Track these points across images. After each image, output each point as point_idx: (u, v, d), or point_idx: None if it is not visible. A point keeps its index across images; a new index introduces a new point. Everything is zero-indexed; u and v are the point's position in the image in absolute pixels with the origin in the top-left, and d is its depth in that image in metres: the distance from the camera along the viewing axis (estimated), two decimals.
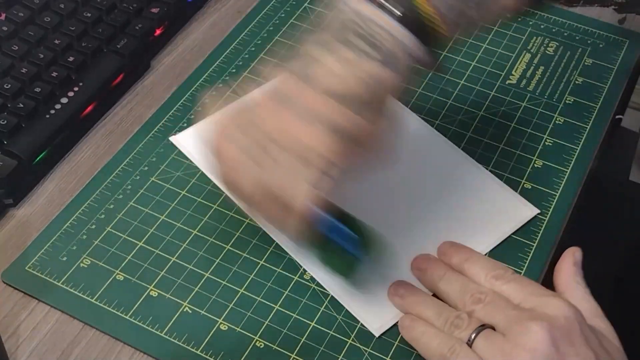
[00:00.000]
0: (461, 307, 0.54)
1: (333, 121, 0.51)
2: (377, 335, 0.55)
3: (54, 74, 0.66)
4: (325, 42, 0.52)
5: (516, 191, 0.63)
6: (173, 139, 0.66)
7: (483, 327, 0.51)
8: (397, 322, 0.55)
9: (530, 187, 0.64)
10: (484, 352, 0.50)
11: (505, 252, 0.59)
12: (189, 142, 0.66)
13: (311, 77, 0.52)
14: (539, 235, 0.60)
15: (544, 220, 0.61)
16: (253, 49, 0.73)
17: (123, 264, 0.58)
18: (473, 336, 0.51)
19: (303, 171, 0.50)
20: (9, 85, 0.65)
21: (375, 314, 0.56)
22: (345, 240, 0.54)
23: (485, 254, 0.59)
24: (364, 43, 0.52)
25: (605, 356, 0.49)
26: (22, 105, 0.64)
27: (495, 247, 0.60)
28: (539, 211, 0.61)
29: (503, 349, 0.50)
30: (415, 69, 0.54)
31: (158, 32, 0.73)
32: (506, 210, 0.61)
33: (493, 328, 0.51)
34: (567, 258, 0.56)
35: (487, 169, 0.64)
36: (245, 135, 0.52)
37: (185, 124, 0.67)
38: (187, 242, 0.59)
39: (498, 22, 0.68)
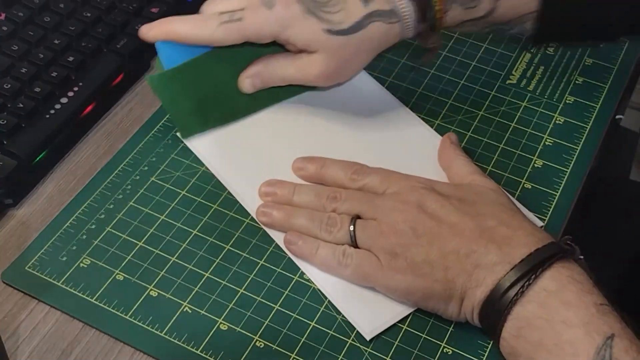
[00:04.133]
0: (323, 211, 0.58)
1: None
2: (368, 338, 0.55)
3: (54, 74, 0.66)
4: None
5: (516, 191, 0.63)
6: (187, 142, 0.65)
7: (354, 219, 0.56)
8: (392, 325, 0.55)
9: (530, 187, 0.64)
10: (368, 243, 0.56)
11: None
12: (204, 146, 0.65)
13: None
14: None
15: (545, 219, 0.61)
16: None
17: (123, 264, 0.58)
18: (352, 229, 0.56)
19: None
20: (9, 85, 0.65)
21: (368, 318, 0.56)
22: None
23: None
24: None
25: (469, 208, 0.55)
26: (21, 105, 0.64)
27: None
28: (542, 224, 0.61)
29: (381, 230, 0.55)
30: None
31: None
32: None
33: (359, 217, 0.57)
34: (445, 142, 0.63)
35: (487, 169, 0.64)
36: None
37: None
38: (187, 242, 0.59)
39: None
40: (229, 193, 0.62)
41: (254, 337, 0.55)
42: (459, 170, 0.61)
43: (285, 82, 0.64)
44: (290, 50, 0.63)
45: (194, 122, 0.64)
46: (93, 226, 0.60)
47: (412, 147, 0.65)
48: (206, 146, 0.65)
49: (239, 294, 0.57)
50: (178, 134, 0.65)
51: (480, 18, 0.63)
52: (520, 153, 0.66)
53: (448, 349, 0.55)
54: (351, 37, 0.61)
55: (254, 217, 0.60)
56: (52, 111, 0.65)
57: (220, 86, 0.64)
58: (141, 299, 0.56)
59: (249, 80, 0.64)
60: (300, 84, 0.65)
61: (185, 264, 0.58)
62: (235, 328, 0.55)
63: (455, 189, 0.58)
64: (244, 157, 0.64)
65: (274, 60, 0.64)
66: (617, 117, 0.73)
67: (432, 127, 0.67)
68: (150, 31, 0.62)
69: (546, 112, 0.69)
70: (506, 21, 0.64)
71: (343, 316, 0.56)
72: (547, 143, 0.67)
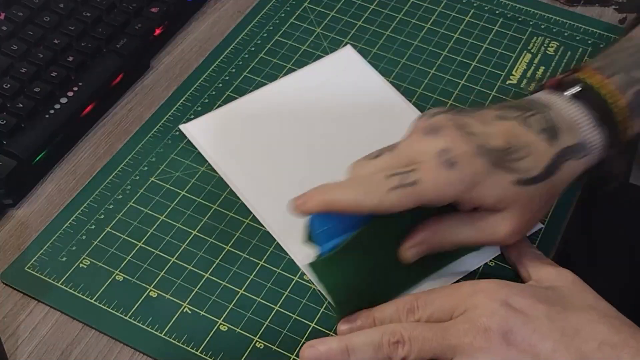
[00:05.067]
0: None
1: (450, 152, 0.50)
2: None
3: (54, 74, 0.66)
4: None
5: None
6: (183, 127, 0.66)
7: None
8: None
9: None
10: None
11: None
12: (198, 131, 0.66)
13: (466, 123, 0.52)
14: (539, 237, 0.60)
15: (545, 220, 0.61)
16: (253, 48, 0.73)
17: (122, 265, 0.58)
18: None
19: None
20: (9, 85, 0.65)
21: None
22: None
23: (485, 264, 0.58)
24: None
25: (562, 325, 0.48)
26: (21, 105, 0.64)
27: (494, 256, 0.59)
28: (542, 226, 0.61)
29: None
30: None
31: (158, 31, 0.72)
32: None
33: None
34: None
35: None
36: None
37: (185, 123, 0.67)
38: (186, 242, 0.59)
39: None
40: (229, 193, 0.62)
41: (253, 337, 0.55)
42: (530, 262, 0.55)
43: (459, 246, 0.55)
44: (463, 209, 0.53)
45: (355, 301, 0.54)
46: (93, 226, 0.60)
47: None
48: (205, 137, 0.66)
49: (239, 294, 0.57)
50: (332, 309, 0.56)
51: None
52: None
53: None
54: (544, 183, 0.52)
55: (253, 211, 0.61)
56: (52, 111, 0.64)
57: (382, 259, 0.54)
58: (141, 300, 0.56)
59: (415, 249, 0.53)
60: (480, 245, 0.56)
61: (185, 265, 0.58)
62: (235, 329, 0.55)
63: (535, 297, 0.50)
64: (245, 149, 0.65)
65: (446, 225, 0.53)
66: None
67: None
68: (307, 203, 0.51)
69: None
70: None
71: None
72: None
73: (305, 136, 0.66)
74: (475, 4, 0.77)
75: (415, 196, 0.49)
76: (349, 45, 0.73)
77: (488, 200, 0.51)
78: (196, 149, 0.65)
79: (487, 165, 0.50)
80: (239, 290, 0.57)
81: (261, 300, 0.56)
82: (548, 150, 0.52)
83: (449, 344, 0.48)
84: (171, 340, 0.54)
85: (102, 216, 0.61)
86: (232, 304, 0.56)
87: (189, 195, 0.62)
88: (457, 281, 0.57)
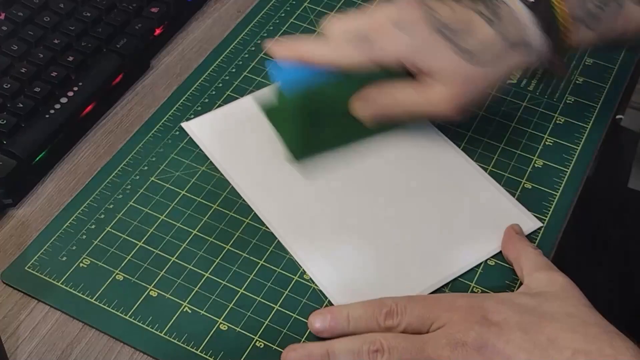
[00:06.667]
0: None
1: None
2: None
3: (54, 74, 0.66)
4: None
5: (516, 191, 0.63)
6: (184, 124, 0.67)
7: None
8: None
9: (530, 187, 0.63)
10: None
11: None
12: (200, 129, 0.66)
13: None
14: (539, 235, 0.60)
15: (545, 219, 0.61)
16: (253, 48, 0.73)
17: (123, 264, 0.58)
18: None
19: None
20: (9, 85, 0.65)
21: None
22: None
23: (485, 261, 0.59)
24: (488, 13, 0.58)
25: (536, 336, 0.49)
26: (21, 105, 0.64)
27: (494, 254, 0.59)
28: (541, 224, 0.61)
29: None
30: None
31: (158, 31, 0.73)
32: (508, 222, 0.60)
33: None
34: (510, 232, 0.59)
35: (487, 169, 0.64)
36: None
37: None
38: (187, 242, 0.59)
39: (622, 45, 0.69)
40: (229, 192, 0.62)
41: (253, 337, 0.55)
42: (525, 264, 0.56)
43: (406, 111, 0.60)
44: (414, 79, 0.59)
45: (306, 148, 0.63)
46: (93, 226, 0.60)
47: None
48: (207, 135, 0.66)
49: (239, 294, 0.57)
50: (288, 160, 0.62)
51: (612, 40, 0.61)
52: (521, 153, 0.66)
53: None
54: (482, 66, 0.58)
55: (254, 209, 0.61)
56: (52, 111, 0.65)
57: (336, 115, 0.61)
58: (141, 299, 0.56)
59: (361, 103, 0.60)
60: (424, 113, 0.60)
61: (185, 264, 0.58)
62: (235, 328, 0.55)
63: (511, 309, 0.51)
64: (247, 147, 0.65)
65: (392, 85, 0.59)
66: (617, 117, 0.73)
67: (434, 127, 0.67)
68: (282, 51, 0.61)
69: (546, 112, 0.69)
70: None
71: None
72: (547, 143, 0.67)
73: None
74: None
75: (368, 53, 0.58)
76: None
77: (431, 67, 0.58)
78: (196, 148, 0.65)
79: (433, 33, 0.57)
80: (239, 289, 0.57)
81: (261, 300, 0.56)
82: (489, 31, 0.57)
83: (428, 355, 0.50)
84: (171, 339, 0.54)
85: (102, 216, 0.61)
86: (232, 304, 0.56)
87: (189, 195, 0.62)
88: (456, 280, 0.57)
